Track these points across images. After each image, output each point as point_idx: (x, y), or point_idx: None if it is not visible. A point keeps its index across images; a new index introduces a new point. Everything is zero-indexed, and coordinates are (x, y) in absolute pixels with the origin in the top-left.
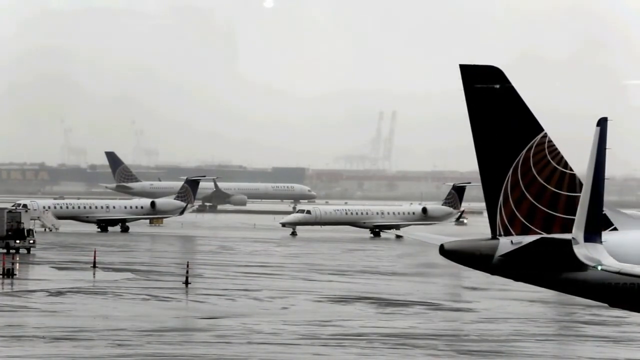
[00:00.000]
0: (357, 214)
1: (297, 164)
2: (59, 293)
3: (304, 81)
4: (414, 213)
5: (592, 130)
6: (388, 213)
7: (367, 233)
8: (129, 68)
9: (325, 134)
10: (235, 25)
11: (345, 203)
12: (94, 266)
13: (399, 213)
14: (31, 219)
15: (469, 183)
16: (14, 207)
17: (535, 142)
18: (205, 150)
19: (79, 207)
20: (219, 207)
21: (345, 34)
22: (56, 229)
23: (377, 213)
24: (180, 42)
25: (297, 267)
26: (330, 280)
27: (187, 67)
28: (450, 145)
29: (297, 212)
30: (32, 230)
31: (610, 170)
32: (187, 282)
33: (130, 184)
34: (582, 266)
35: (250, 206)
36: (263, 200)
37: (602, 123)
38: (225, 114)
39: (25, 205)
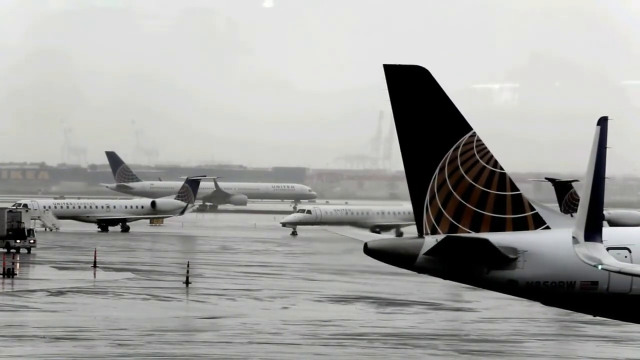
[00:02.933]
0: (357, 213)
1: (298, 163)
2: (60, 293)
3: (304, 81)
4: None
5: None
6: (388, 213)
7: (367, 233)
8: (129, 68)
9: (326, 134)
10: (235, 26)
11: (346, 203)
12: (95, 266)
13: (399, 213)
14: (31, 219)
15: None
16: (14, 207)
17: (463, 142)
18: (205, 150)
19: (79, 207)
20: (220, 206)
21: (345, 33)
22: (56, 228)
23: (378, 213)
24: (179, 42)
25: (298, 266)
26: (330, 280)
27: (186, 67)
28: None
29: (298, 212)
30: (33, 230)
31: (610, 170)
32: (187, 282)
33: (130, 184)
34: (508, 264)
35: (250, 206)
36: (263, 200)
37: (602, 122)
38: (225, 114)
39: (25, 205)
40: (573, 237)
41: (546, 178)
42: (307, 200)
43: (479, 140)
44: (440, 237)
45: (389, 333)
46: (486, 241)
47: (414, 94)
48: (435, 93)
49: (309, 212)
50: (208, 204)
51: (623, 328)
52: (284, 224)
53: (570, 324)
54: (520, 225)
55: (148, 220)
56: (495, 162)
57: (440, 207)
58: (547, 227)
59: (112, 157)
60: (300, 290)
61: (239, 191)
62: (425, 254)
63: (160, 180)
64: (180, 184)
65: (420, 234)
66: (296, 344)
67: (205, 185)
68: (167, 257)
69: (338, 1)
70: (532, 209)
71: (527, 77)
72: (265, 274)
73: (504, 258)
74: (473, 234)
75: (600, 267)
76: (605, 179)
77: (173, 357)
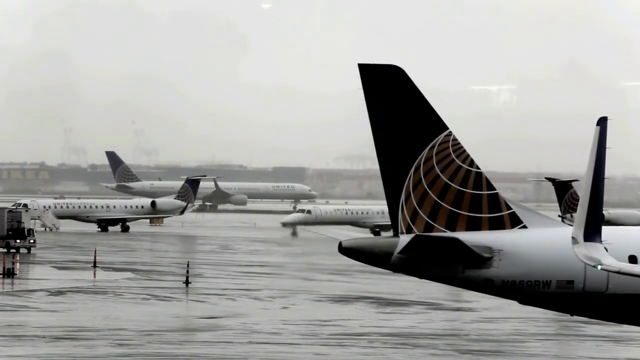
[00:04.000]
0: (357, 213)
1: (297, 163)
2: (60, 293)
3: (304, 81)
4: None
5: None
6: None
7: (367, 233)
8: (129, 69)
9: (326, 134)
10: (235, 27)
11: (346, 203)
12: (95, 266)
13: None
14: (31, 219)
15: None
16: (14, 207)
17: (439, 141)
18: (205, 150)
19: (79, 207)
20: (220, 206)
21: (345, 34)
22: (56, 228)
23: (378, 213)
24: (179, 42)
25: (297, 266)
26: (330, 280)
27: (186, 67)
28: None
29: (298, 211)
30: (33, 230)
31: (610, 170)
32: (187, 282)
33: (130, 184)
34: (484, 263)
35: (250, 206)
36: (263, 199)
37: (602, 122)
38: (225, 114)
39: (25, 205)
40: (572, 237)
41: (546, 178)
42: (307, 200)
43: (455, 139)
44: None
45: (389, 333)
46: (456, 240)
47: (389, 93)
48: (410, 92)
49: (309, 212)
50: (208, 203)
51: (623, 328)
52: (284, 224)
53: (570, 324)
54: (497, 224)
55: (148, 220)
56: (472, 161)
57: (416, 206)
58: (524, 227)
59: (112, 157)
60: (300, 290)
61: (239, 191)
62: (399, 253)
63: (160, 180)
64: (180, 183)
65: (396, 233)
66: (296, 343)
67: (205, 185)
68: (167, 257)
69: (337, 2)
70: (509, 208)
71: (527, 77)
72: (265, 274)
73: (479, 257)
74: (443, 233)
75: (599, 267)
76: (605, 179)
77: (173, 357)
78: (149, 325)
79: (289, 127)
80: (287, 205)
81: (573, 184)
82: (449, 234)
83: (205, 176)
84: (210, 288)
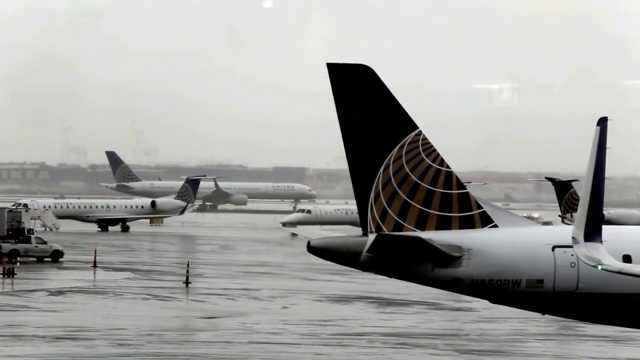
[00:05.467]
0: (357, 213)
1: (297, 163)
2: (60, 292)
3: (304, 81)
4: None
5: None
6: None
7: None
8: (129, 68)
9: (326, 134)
10: (234, 27)
11: (346, 203)
12: (95, 266)
13: None
14: (31, 219)
15: (470, 182)
16: (14, 207)
17: (408, 140)
18: (205, 149)
19: (79, 207)
20: (220, 206)
21: (345, 34)
22: (56, 228)
23: None
24: (179, 42)
25: (297, 266)
26: (330, 280)
27: (186, 67)
28: (450, 145)
29: (298, 211)
30: (33, 230)
31: (610, 170)
32: (187, 282)
33: (130, 184)
34: (453, 262)
35: (250, 206)
36: (263, 199)
37: (602, 123)
38: (225, 114)
39: (25, 205)
40: (573, 238)
41: (546, 178)
42: (307, 200)
43: (424, 138)
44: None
45: (389, 333)
46: (419, 239)
47: (358, 92)
48: (380, 92)
49: (309, 212)
50: (208, 203)
51: (623, 328)
52: (284, 224)
53: (570, 324)
54: (467, 223)
55: (148, 220)
56: (442, 160)
57: (385, 205)
58: (495, 226)
59: (112, 156)
60: (300, 290)
61: (239, 191)
62: (367, 252)
63: (160, 180)
64: (180, 183)
65: (365, 232)
66: (296, 343)
67: (205, 185)
68: (167, 257)
69: (337, 3)
70: (480, 207)
71: (527, 78)
72: (265, 274)
73: (447, 256)
74: (407, 232)
75: (600, 267)
76: (605, 179)
77: (173, 357)
78: (149, 325)
79: (289, 127)
80: (287, 205)
81: (573, 183)
82: (413, 233)
83: (205, 176)
84: (210, 288)
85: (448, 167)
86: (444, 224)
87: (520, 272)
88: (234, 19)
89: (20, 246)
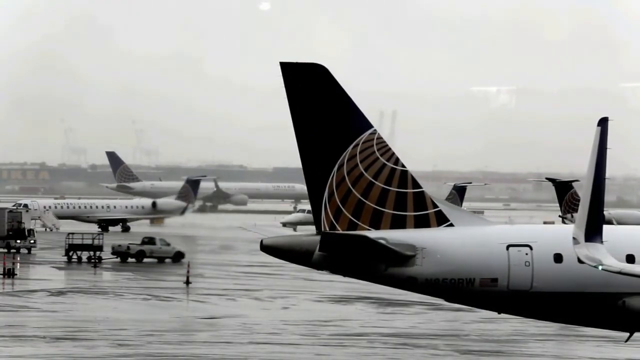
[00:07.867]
0: None
1: (297, 163)
2: (60, 293)
3: None
4: None
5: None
6: None
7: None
8: (129, 68)
9: None
10: (234, 27)
11: None
12: (95, 266)
13: None
14: (32, 219)
15: (470, 183)
16: (14, 207)
17: (363, 139)
18: (205, 150)
19: (79, 207)
20: (220, 207)
21: (345, 34)
22: (57, 228)
23: None
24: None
25: (297, 267)
26: (330, 280)
27: (186, 67)
28: (451, 146)
29: (298, 211)
30: (33, 230)
31: (610, 170)
32: (188, 282)
33: (131, 184)
34: (406, 261)
35: (250, 206)
36: (263, 200)
37: (603, 123)
38: (225, 114)
39: (25, 205)
40: (573, 238)
41: (547, 178)
42: (307, 200)
43: (379, 137)
44: (338, 234)
45: (389, 333)
46: (365, 237)
47: (312, 91)
48: (334, 91)
49: (309, 212)
50: (208, 204)
51: (622, 328)
52: (284, 224)
53: (570, 323)
54: (422, 222)
55: (148, 221)
56: (397, 159)
57: (339, 204)
58: (451, 225)
59: (112, 157)
60: (300, 290)
61: (239, 191)
62: (319, 251)
63: (161, 180)
64: (181, 184)
65: (319, 230)
66: (296, 344)
67: (206, 186)
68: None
69: (337, 3)
70: (435, 206)
71: (527, 78)
72: (265, 274)
73: (399, 255)
74: (358, 231)
75: (600, 267)
76: (606, 180)
77: (173, 357)
78: (149, 325)
79: (289, 127)
80: (287, 205)
81: (573, 184)
82: (365, 232)
83: (205, 176)
84: (210, 288)
85: (403, 166)
86: (398, 223)
87: (474, 271)
88: (233, 19)
89: (146, 247)
